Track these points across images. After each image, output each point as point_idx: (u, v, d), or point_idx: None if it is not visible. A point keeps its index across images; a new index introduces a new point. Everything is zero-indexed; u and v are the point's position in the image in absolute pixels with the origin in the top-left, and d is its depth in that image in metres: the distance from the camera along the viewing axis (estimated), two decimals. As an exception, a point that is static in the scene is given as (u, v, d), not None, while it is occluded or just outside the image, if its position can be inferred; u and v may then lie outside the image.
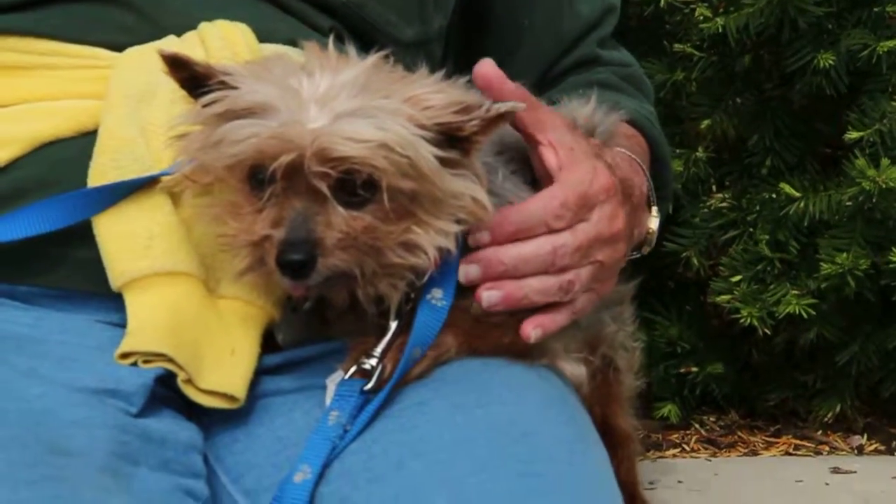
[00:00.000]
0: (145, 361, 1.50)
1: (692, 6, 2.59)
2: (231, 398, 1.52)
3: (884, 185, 2.39)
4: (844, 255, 2.47)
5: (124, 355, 1.50)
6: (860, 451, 2.63)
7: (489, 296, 1.53)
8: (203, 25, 1.62)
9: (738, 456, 2.62)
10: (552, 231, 1.55)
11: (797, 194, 2.54)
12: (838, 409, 2.67)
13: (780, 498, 2.29)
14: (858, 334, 2.62)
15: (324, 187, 1.41)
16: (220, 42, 1.60)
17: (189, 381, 1.50)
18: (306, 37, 1.56)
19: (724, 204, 2.65)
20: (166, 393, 1.52)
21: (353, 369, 1.50)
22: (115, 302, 1.54)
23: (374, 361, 1.50)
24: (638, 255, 1.78)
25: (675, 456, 2.60)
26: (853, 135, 2.47)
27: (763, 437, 2.69)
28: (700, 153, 2.65)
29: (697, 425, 2.74)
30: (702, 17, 2.55)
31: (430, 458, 1.43)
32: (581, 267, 1.57)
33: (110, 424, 1.46)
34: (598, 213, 1.58)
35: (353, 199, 1.43)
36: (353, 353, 1.52)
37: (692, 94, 2.68)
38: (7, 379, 1.47)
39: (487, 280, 1.53)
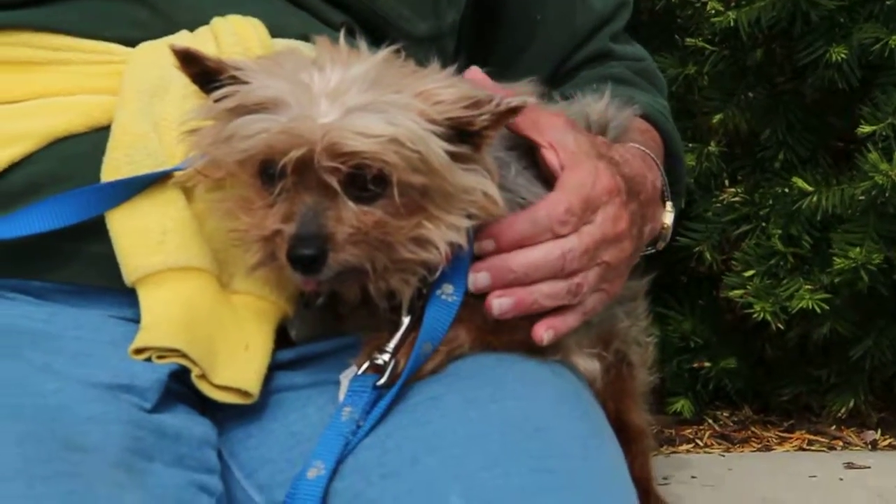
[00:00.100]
0: (159, 357, 1.50)
1: (704, 0, 2.59)
2: (245, 394, 1.52)
3: (896, 179, 2.39)
4: (857, 249, 2.46)
5: (138, 351, 1.50)
6: (874, 446, 2.62)
7: (500, 303, 1.53)
8: (215, 21, 1.63)
9: (752, 451, 2.61)
10: (558, 237, 1.55)
11: (810, 188, 2.53)
12: (852, 404, 2.66)
13: (793, 493, 2.29)
14: (872, 329, 2.62)
15: (334, 182, 1.41)
16: (233, 37, 1.60)
17: (203, 377, 1.50)
18: (319, 32, 1.56)
19: (736, 198, 2.64)
20: (180, 388, 1.53)
21: (366, 364, 1.50)
22: (128, 297, 1.54)
23: (386, 357, 1.50)
24: (653, 251, 1.78)
25: (688, 451, 2.60)
26: (866, 129, 2.46)
27: (776, 433, 2.69)
28: (712, 147, 2.65)
29: (711, 420, 2.74)
30: (713, 11, 2.55)
31: (444, 454, 1.43)
32: (588, 269, 1.57)
33: (124, 420, 1.46)
34: (602, 215, 1.58)
35: (364, 194, 1.43)
36: (366, 349, 1.52)
37: (704, 88, 2.67)
38: (23, 374, 1.48)
39: (497, 287, 1.53)
